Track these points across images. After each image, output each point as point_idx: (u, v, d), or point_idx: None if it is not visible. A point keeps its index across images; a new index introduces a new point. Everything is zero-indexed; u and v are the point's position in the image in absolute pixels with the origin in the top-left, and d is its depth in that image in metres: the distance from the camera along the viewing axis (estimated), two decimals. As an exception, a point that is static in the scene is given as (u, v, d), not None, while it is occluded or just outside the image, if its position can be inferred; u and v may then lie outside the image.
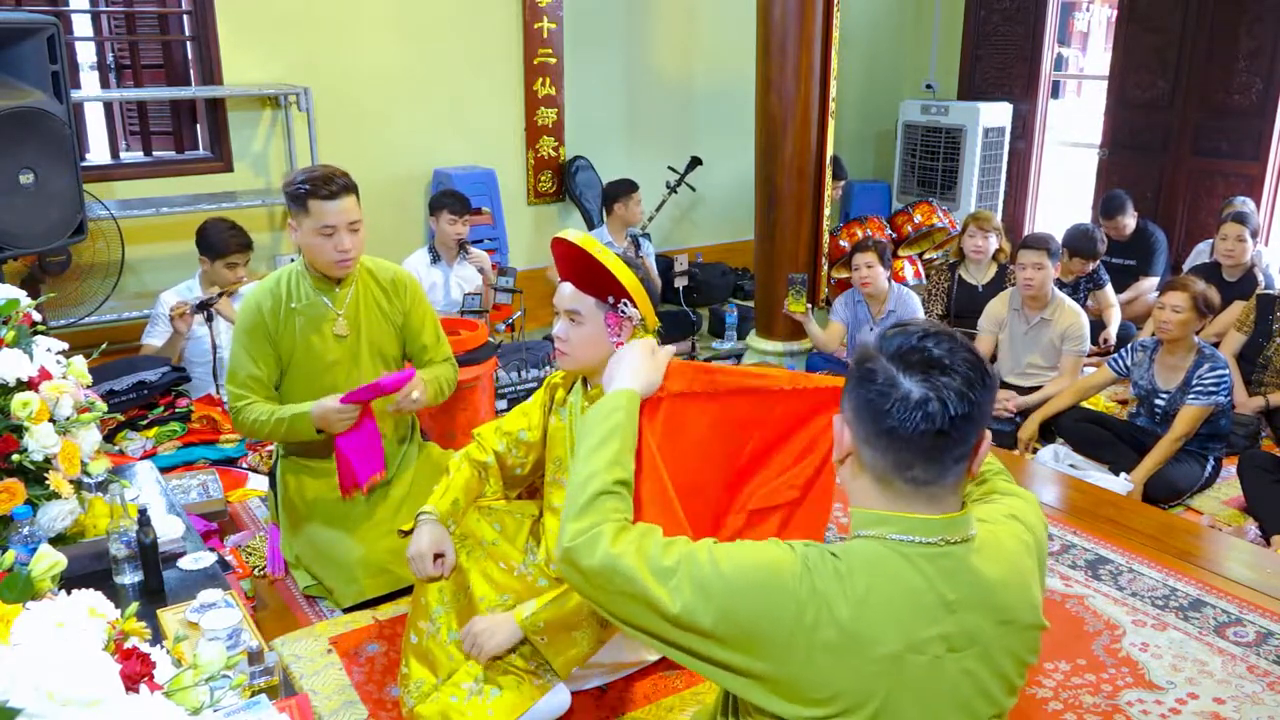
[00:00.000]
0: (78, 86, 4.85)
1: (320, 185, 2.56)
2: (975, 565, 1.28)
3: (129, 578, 2.06)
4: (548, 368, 4.31)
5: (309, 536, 2.74)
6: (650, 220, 5.54)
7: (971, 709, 1.28)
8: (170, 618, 1.94)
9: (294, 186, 2.60)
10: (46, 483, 2.04)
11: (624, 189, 5.27)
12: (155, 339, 3.91)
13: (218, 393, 3.87)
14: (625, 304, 2.12)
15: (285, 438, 2.69)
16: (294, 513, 2.79)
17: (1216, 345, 4.12)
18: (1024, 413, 4.09)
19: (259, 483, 3.45)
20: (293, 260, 2.80)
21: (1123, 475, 3.61)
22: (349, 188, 2.61)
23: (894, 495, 1.27)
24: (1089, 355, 4.38)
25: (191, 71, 4.96)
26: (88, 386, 2.28)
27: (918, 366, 1.21)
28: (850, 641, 1.22)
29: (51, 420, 2.06)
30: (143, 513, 2.05)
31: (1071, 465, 3.78)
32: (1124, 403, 4.24)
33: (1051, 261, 4.13)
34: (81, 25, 6.48)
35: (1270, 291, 4.27)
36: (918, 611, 1.24)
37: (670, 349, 1.71)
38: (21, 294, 2.24)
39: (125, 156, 5.25)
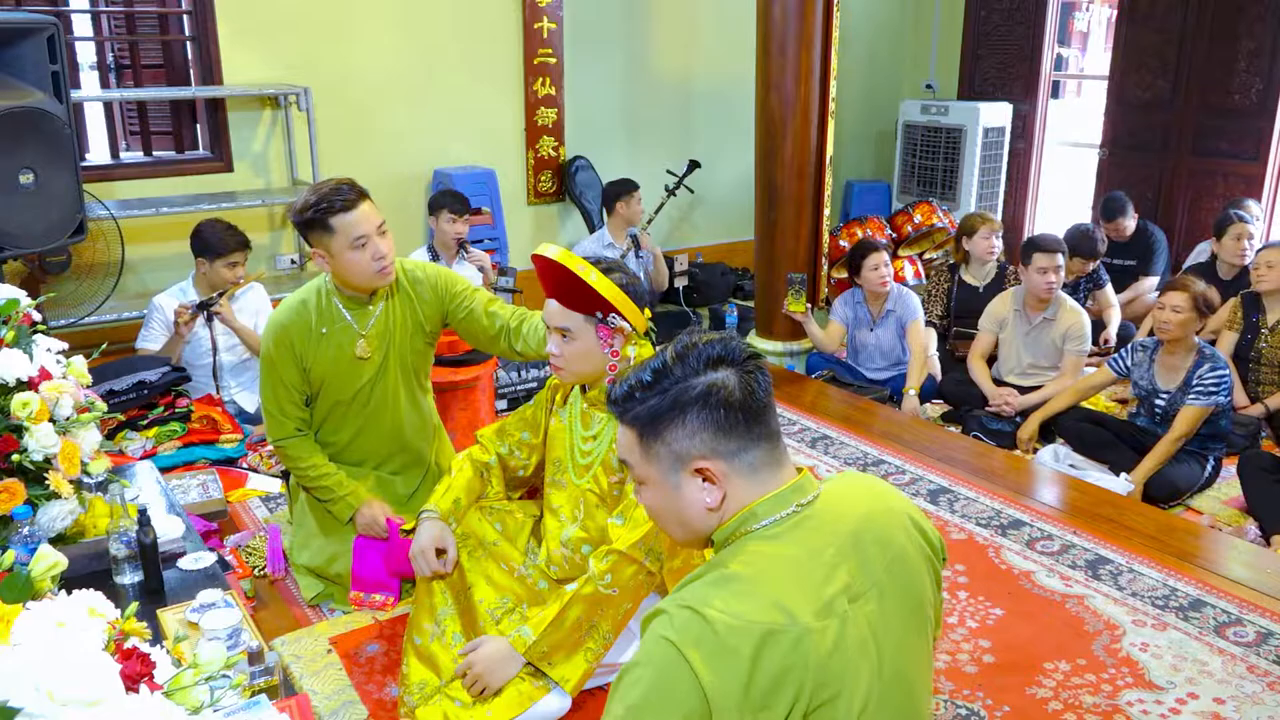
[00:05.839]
0: (78, 86, 4.85)
1: (336, 198, 2.45)
2: (833, 515, 1.33)
3: (129, 578, 2.06)
4: (548, 368, 4.31)
5: (329, 535, 2.74)
6: (649, 222, 5.55)
7: (888, 651, 1.29)
8: (170, 618, 1.93)
9: (309, 211, 2.46)
10: (46, 483, 2.03)
11: (625, 188, 5.27)
12: (152, 343, 3.89)
13: (218, 393, 3.87)
14: (614, 316, 2.10)
15: (317, 497, 2.71)
16: (314, 511, 2.78)
17: (1212, 344, 4.12)
18: (1024, 413, 4.10)
19: (259, 483, 3.45)
20: (320, 273, 2.67)
21: (1123, 475, 3.61)
22: (365, 193, 2.51)
23: (759, 475, 1.31)
24: (1089, 356, 4.39)
25: (191, 71, 4.96)
26: (88, 386, 2.27)
27: (716, 364, 1.31)
28: (768, 636, 1.19)
29: (51, 420, 2.06)
30: (143, 513, 2.05)
31: (1071, 465, 3.78)
32: (1124, 402, 4.24)
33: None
34: (81, 25, 6.49)
35: (1253, 289, 4.25)
36: (809, 579, 1.25)
37: None
38: (21, 294, 2.24)
39: (125, 156, 5.26)
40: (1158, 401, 3.71)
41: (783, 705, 1.17)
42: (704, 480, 1.30)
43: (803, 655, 1.18)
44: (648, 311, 2.21)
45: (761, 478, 1.31)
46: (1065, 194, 8.10)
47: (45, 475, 2.04)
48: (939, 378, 4.48)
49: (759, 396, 1.30)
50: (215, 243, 3.82)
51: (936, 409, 4.45)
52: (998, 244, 4.75)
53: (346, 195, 2.46)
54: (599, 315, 2.10)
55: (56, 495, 2.05)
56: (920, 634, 1.35)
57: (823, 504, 1.33)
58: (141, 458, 3.34)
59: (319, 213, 2.45)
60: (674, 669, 1.17)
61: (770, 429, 1.32)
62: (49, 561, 1.55)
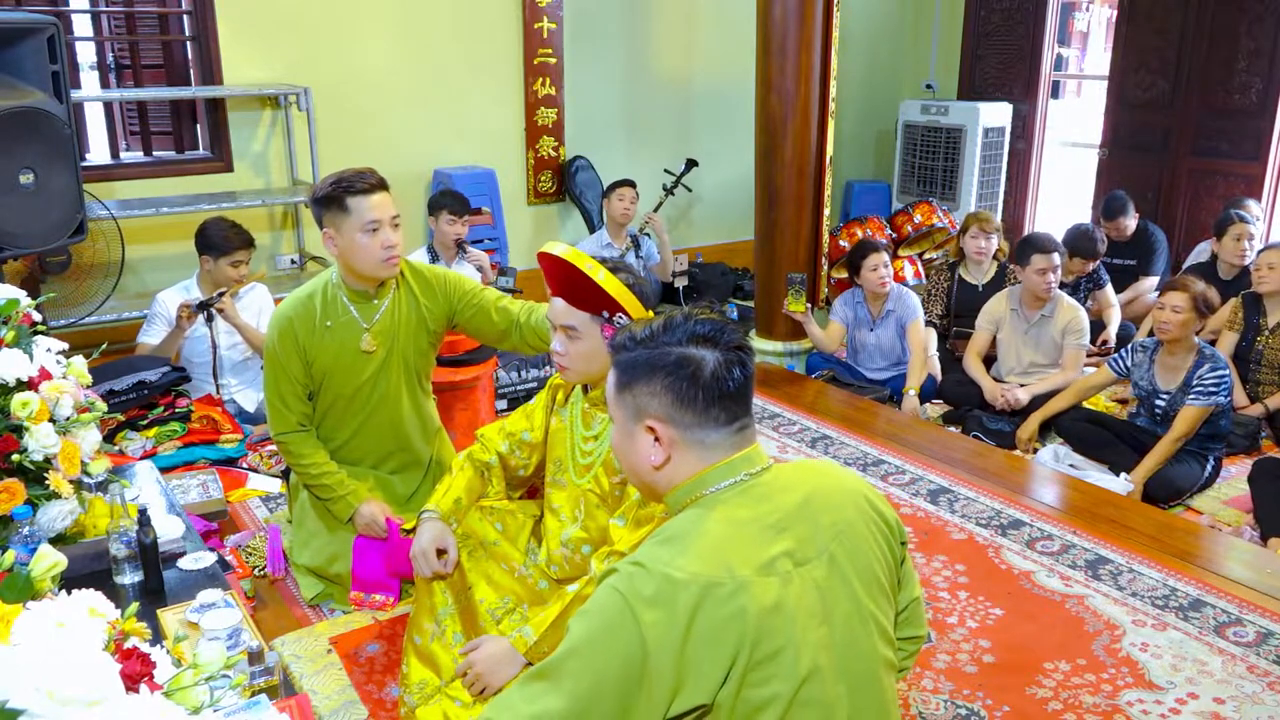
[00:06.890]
0: (78, 86, 4.85)
1: (357, 181, 2.53)
2: (782, 487, 1.40)
3: (129, 578, 2.06)
4: (548, 368, 4.31)
5: (329, 535, 2.74)
6: (648, 222, 5.55)
7: (840, 618, 1.34)
8: (170, 618, 1.93)
9: (328, 188, 2.53)
10: (46, 483, 2.03)
11: (613, 185, 5.29)
12: (152, 337, 3.90)
13: (218, 392, 3.87)
14: (620, 316, 2.09)
15: (317, 495, 2.71)
16: (314, 511, 2.79)
17: (1212, 344, 4.12)
18: (1023, 412, 4.10)
19: (259, 483, 3.45)
20: (323, 270, 2.73)
21: (1123, 475, 3.61)
22: (384, 183, 2.58)
23: (711, 453, 1.39)
24: (1088, 356, 4.39)
25: (191, 71, 4.96)
26: (88, 386, 2.27)
27: (700, 342, 1.39)
28: (708, 588, 1.26)
29: (51, 420, 2.06)
30: (143, 513, 2.05)
31: (1071, 465, 3.78)
32: (1124, 402, 4.24)
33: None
34: (81, 25, 6.49)
35: (1254, 290, 4.25)
36: (752, 539, 1.32)
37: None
38: (21, 294, 2.24)
39: (125, 156, 5.25)
40: (1158, 402, 3.71)
41: (723, 658, 1.24)
42: (654, 439, 1.40)
43: (741, 608, 1.25)
44: (651, 313, 2.21)
45: (715, 455, 1.39)
46: (1065, 194, 8.10)
47: (45, 475, 2.04)
48: (939, 378, 4.48)
49: (727, 384, 1.37)
50: (220, 240, 3.83)
51: (936, 409, 4.45)
52: (986, 244, 4.73)
53: (368, 179, 2.54)
54: (605, 315, 2.09)
55: (56, 495, 2.05)
56: (879, 608, 1.39)
57: (772, 475, 1.41)
58: (141, 458, 3.34)
59: (338, 190, 2.51)
60: (618, 616, 1.25)
61: (733, 416, 1.39)
62: (49, 561, 1.55)
